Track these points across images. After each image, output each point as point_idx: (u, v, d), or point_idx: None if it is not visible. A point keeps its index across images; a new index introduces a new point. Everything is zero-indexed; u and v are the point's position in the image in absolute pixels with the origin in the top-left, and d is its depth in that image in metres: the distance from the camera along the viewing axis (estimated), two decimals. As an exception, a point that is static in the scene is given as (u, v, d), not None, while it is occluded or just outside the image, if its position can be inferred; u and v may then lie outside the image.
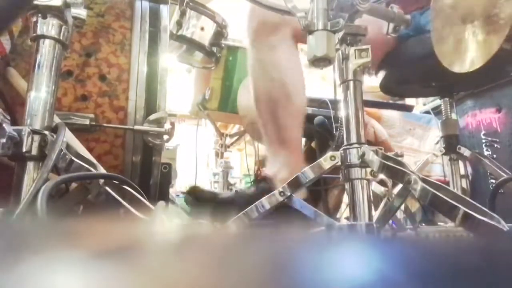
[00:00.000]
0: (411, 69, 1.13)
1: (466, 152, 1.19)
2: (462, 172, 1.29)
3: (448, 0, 0.81)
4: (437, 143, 1.31)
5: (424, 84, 1.23)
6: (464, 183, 1.29)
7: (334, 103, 1.44)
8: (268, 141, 1.13)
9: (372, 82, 1.77)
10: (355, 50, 0.72)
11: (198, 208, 1.02)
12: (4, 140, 0.47)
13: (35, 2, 0.53)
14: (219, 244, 0.24)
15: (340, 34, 0.73)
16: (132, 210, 0.47)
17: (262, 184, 1.10)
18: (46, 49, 0.55)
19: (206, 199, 1.04)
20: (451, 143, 1.22)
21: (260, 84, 1.09)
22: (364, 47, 0.72)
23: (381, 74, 1.25)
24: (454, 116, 1.27)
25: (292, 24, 1.05)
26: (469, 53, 0.74)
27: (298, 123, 1.10)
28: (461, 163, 1.28)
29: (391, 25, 0.77)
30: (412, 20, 0.87)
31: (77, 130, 0.65)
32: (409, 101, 2.08)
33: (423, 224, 1.25)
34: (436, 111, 1.85)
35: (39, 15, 0.54)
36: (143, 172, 0.72)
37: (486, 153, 1.55)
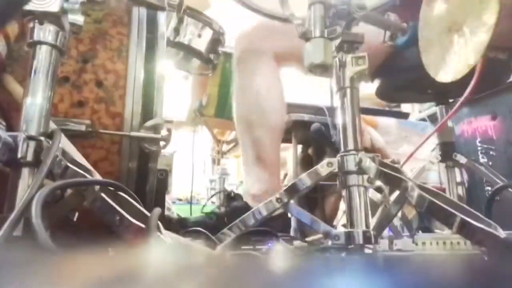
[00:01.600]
0: (406, 76, 1.15)
1: (462, 159, 1.20)
2: (458, 179, 1.29)
3: (435, 10, 0.82)
4: (433, 150, 1.31)
5: (420, 91, 1.25)
6: (461, 190, 1.29)
7: (331, 110, 1.44)
8: (245, 159, 1.17)
9: (369, 89, 1.78)
10: (352, 57, 0.73)
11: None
12: (-1, 146, 0.46)
13: (32, 8, 0.53)
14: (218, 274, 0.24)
15: (337, 41, 0.73)
16: (128, 217, 0.47)
17: (236, 203, 1.11)
18: (43, 55, 0.54)
19: (175, 227, 1.02)
20: (447, 150, 1.23)
21: (240, 106, 1.16)
22: (361, 54, 0.73)
23: (377, 81, 1.26)
24: (449, 123, 1.27)
25: (274, 49, 1.12)
26: (454, 62, 0.75)
27: (273, 141, 1.14)
28: (457, 170, 1.28)
29: (388, 33, 0.78)
30: (410, 30, 0.88)
31: (73, 136, 0.64)
32: (405, 108, 2.09)
33: (420, 231, 1.25)
34: (432, 118, 1.86)
35: (36, 21, 0.54)
36: (139, 179, 0.71)
37: (481, 160, 1.55)
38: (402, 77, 1.17)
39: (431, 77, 0.81)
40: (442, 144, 1.24)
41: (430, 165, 1.30)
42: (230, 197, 1.13)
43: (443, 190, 1.23)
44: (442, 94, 1.26)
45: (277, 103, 1.15)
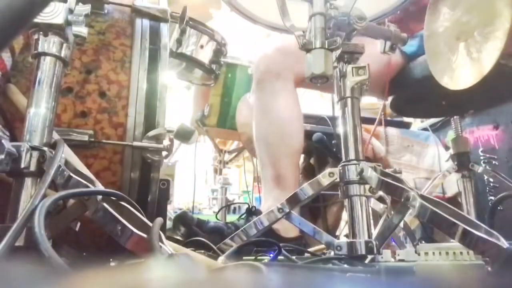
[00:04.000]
0: (420, 89, 1.14)
1: (478, 168, 1.21)
2: (458, 190, 1.29)
3: (441, 19, 0.82)
4: (447, 160, 1.31)
5: (434, 103, 1.24)
6: (464, 200, 1.28)
7: (333, 119, 1.45)
8: (264, 179, 1.19)
9: (370, 99, 1.78)
10: (352, 68, 0.73)
11: (185, 234, 1.01)
12: (2, 156, 0.47)
13: (37, 20, 0.54)
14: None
15: (338, 52, 0.74)
16: (130, 226, 0.47)
17: (255, 217, 1.11)
18: (47, 66, 0.55)
19: (193, 226, 1.03)
20: (463, 161, 1.23)
21: (260, 125, 1.18)
22: (361, 65, 0.73)
23: (391, 95, 1.26)
24: (464, 134, 1.28)
25: (293, 70, 1.13)
26: (463, 70, 0.75)
27: (293, 163, 1.17)
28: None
29: (388, 43, 0.79)
30: (420, 40, 0.88)
31: (76, 146, 0.65)
32: (407, 117, 2.08)
33: (423, 242, 1.24)
34: (434, 128, 1.86)
35: (41, 32, 0.55)
36: (141, 189, 0.71)
37: (484, 170, 1.55)
38: (416, 89, 1.17)
39: (445, 88, 0.81)
40: (458, 155, 1.25)
41: (445, 176, 1.30)
42: (250, 211, 1.13)
43: (446, 200, 1.22)
44: (457, 105, 1.25)
45: (296, 126, 1.17)
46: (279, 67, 1.15)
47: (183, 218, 1.05)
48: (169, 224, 1.06)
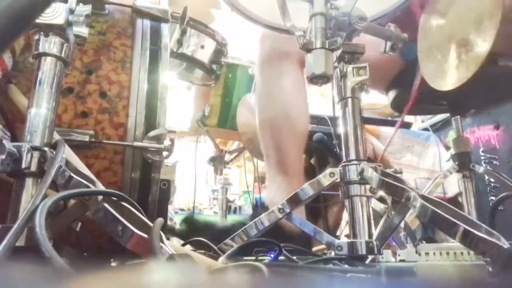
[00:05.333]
0: (422, 89, 1.14)
1: (479, 168, 1.20)
2: (459, 190, 1.28)
3: (435, 21, 0.82)
4: (448, 160, 1.31)
5: (434, 103, 1.24)
6: (465, 200, 1.28)
7: (333, 119, 1.45)
8: (268, 166, 1.14)
9: (371, 99, 1.78)
10: (353, 68, 0.73)
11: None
12: (3, 157, 0.47)
13: (38, 21, 0.54)
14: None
15: (338, 52, 0.74)
16: (130, 227, 0.47)
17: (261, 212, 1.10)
18: (48, 66, 0.55)
19: (201, 229, 1.01)
20: (464, 161, 1.23)
21: (265, 109, 1.13)
22: (362, 65, 0.73)
23: (391, 94, 1.26)
24: (465, 133, 1.28)
25: (299, 51, 1.07)
26: (454, 71, 0.75)
27: (299, 149, 1.12)
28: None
29: (388, 44, 0.78)
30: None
31: (77, 147, 0.65)
32: (407, 117, 2.08)
33: (423, 242, 1.24)
34: (435, 128, 1.86)
35: (41, 33, 0.55)
36: (142, 189, 0.71)
37: (485, 170, 1.54)
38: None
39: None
40: (459, 155, 1.24)
41: (447, 176, 1.30)
42: (256, 206, 1.13)
43: (446, 200, 1.22)
44: (457, 105, 1.25)
45: (303, 110, 1.12)
46: (286, 45, 1.06)
47: (189, 224, 1.02)
48: (169, 224, 1.06)
